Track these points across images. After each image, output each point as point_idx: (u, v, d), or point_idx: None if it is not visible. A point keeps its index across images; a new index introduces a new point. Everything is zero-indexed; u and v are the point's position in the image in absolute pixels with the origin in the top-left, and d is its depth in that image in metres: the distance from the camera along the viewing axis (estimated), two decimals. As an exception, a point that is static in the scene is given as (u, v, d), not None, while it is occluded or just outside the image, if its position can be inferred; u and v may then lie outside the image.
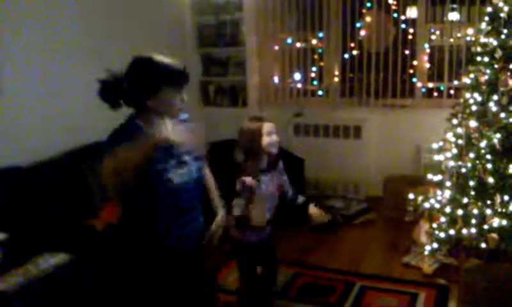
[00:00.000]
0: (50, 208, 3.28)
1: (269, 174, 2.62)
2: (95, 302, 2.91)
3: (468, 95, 3.34)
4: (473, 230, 3.12)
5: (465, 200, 3.22)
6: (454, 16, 4.88)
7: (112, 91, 1.92)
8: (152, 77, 1.93)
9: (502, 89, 3.14)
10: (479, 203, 3.16)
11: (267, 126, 2.56)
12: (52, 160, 3.50)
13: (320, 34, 5.26)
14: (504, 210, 3.09)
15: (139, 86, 1.93)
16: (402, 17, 4.98)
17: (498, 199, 3.13)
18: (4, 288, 2.59)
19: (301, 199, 2.83)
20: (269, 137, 2.55)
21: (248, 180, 2.46)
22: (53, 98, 3.69)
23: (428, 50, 4.96)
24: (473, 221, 3.13)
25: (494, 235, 3.06)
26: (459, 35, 4.80)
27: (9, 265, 2.77)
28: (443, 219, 3.32)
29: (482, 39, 3.31)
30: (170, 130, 2.05)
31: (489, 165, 3.12)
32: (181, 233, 2.08)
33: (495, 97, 3.16)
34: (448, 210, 3.29)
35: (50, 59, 3.67)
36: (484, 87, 3.25)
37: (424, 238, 3.65)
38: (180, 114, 2.10)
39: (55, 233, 3.15)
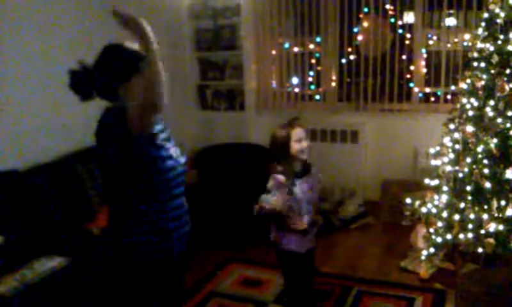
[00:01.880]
0: (46, 212, 3.27)
1: (303, 178, 2.60)
2: (92, 306, 2.90)
3: (464, 100, 3.35)
4: (470, 235, 3.12)
5: (462, 205, 3.22)
6: (451, 21, 4.90)
7: (82, 81, 1.93)
8: (120, 64, 1.93)
9: (498, 94, 3.15)
10: (476, 208, 3.17)
11: (296, 133, 2.56)
12: (48, 163, 3.49)
13: (318, 39, 5.27)
14: (500, 215, 3.09)
15: (109, 73, 1.93)
16: (399, 22, 4.99)
17: (495, 204, 3.14)
18: (1, 292, 2.58)
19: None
20: (299, 144, 2.55)
21: (279, 176, 2.49)
22: (50, 101, 3.68)
23: (425, 55, 4.97)
24: (470, 226, 3.13)
25: (491, 240, 3.07)
26: (456, 40, 4.82)
27: (6, 269, 2.76)
28: (440, 224, 3.33)
29: (479, 45, 3.32)
30: None
31: (486, 170, 3.13)
32: (178, 234, 2.08)
33: (492, 102, 3.17)
34: (445, 214, 3.29)
35: (48, 62, 3.66)
36: (480, 92, 3.26)
37: (420, 243, 3.65)
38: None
39: (51, 237, 3.14)
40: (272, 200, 2.50)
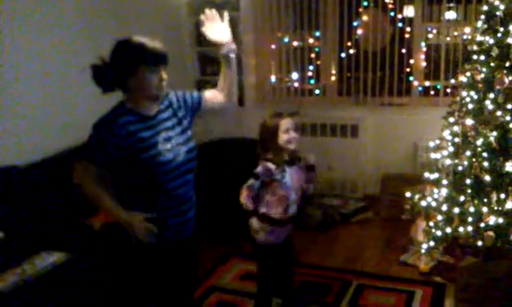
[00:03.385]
0: (46, 208, 3.27)
1: (292, 167, 2.64)
2: (92, 301, 2.90)
3: (464, 93, 3.34)
4: (470, 228, 3.12)
5: (462, 198, 3.22)
6: (450, 15, 4.89)
7: (102, 75, 2.04)
8: (128, 57, 2.02)
9: (498, 87, 3.14)
10: (476, 201, 3.17)
11: (284, 123, 2.59)
12: (48, 159, 3.49)
13: (317, 33, 5.26)
14: (500, 208, 3.09)
15: (118, 67, 2.02)
16: (399, 16, 4.98)
17: (494, 197, 3.14)
18: (1, 288, 2.58)
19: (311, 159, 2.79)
20: (286, 134, 2.59)
21: (270, 164, 2.52)
22: (50, 96, 3.68)
23: (425, 49, 4.96)
24: (470, 219, 3.13)
25: (490, 233, 3.07)
26: (455, 34, 4.81)
27: (6, 265, 2.76)
28: (439, 217, 3.33)
29: (479, 38, 3.31)
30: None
31: (485, 164, 3.13)
32: (173, 222, 2.14)
33: (491, 95, 3.17)
34: (444, 208, 3.29)
35: (48, 58, 3.66)
36: (480, 85, 3.25)
37: (420, 237, 3.65)
38: (163, 93, 2.14)
39: (52, 232, 3.14)
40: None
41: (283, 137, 2.58)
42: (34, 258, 2.87)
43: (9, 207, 3.10)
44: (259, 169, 2.56)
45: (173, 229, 2.14)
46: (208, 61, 5.60)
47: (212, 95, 2.50)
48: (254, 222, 2.69)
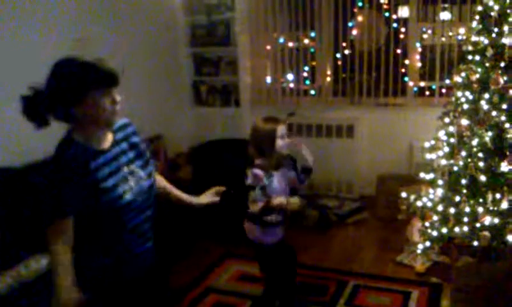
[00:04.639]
0: (42, 209, 3.25)
1: (279, 171, 2.66)
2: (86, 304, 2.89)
3: (459, 94, 3.35)
4: (466, 228, 3.13)
5: (457, 198, 3.23)
6: (445, 15, 4.90)
7: (34, 107, 1.71)
8: (75, 81, 1.67)
9: (493, 87, 3.15)
10: (471, 201, 3.17)
11: (280, 129, 2.61)
12: (45, 160, 3.47)
13: (312, 34, 5.26)
14: (495, 208, 3.09)
15: (62, 94, 1.68)
16: (394, 16, 4.99)
17: (490, 197, 3.14)
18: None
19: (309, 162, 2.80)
20: (282, 140, 2.61)
21: (258, 171, 2.52)
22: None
23: (420, 49, 4.97)
24: (466, 219, 3.13)
25: (486, 233, 3.07)
26: (450, 34, 4.82)
27: (1, 267, 2.75)
28: (435, 218, 3.33)
29: (473, 38, 3.31)
30: None
31: (481, 164, 3.13)
32: (133, 254, 1.90)
33: (486, 95, 3.17)
34: (440, 208, 3.29)
35: (42, 57, 3.62)
36: (475, 85, 3.25)
37: (416, 237, 3.66)
38: (116, 118, 1.82)
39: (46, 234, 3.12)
40: (292, 200, 2.59)
41: (279, 143, 2.59)
42: (29, 260, 2.85)
43: (5, 209, 3.08)
44: (250, 179, 2.56)
45: (132, 264, 1.91)
46: (204, 62, 5.60)
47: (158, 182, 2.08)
48: (248, 225, 2.70)
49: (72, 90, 1.68)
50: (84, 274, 1.79)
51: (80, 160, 1.72)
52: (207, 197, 2.31)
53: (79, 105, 1.69)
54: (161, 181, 2.15)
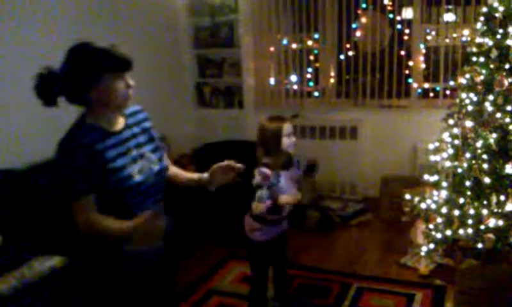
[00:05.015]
0: (45, 211, 3.26)
1: (287, 170, 2.65)
2: (90, 306, 2.89)
3: (463, 95, 3.34)
4: (470, 230, 3.11)
5: (461, 200, 3.21)
6: (449, 16, 4.88)
7: (46, 86, 1.82)
8: (90, 65, 1.77)
9: (497, 89, 3.14)
10: (476, 203, 3.16)
11: (286, 128, 2.60)
12: (47, 162, 3.47)
13: (316, 35, 5.26)
14: (500, 210, 3.08)
15: (77, 77, 1.78)
16: (398, 18, 4.97)
17: (494, 199, 3.13)
18: (0, 291, 2.57)
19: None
20: (289, 139, 2.60)
21: (266, 170, 2.52)
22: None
23: (424, 51, 4.96)
24: (470, 221, 3.12)
25: (490, 235, 3.06)
26: (454, 35, 4.80)
27: (5, 268, 2.75)
28: (439, 220, 3.32)
29: (478, 40, 3.30)
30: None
31: (485, 165, 3.12)
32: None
33: (491, 97, 3.16)
34: (444, 210, 3.28)
35: (45, 58, 3.63)
36: (479, 87, 3.24)
37: (420, 239, 3.65)
38: (130, 104, 1.90)
39: (50, 236, 3.13)
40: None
41: (286, 142, 2.59)
42: (32, 262, 2.86)
43: (9, 210, 3.09)
44: (257, 178, 2.55)
45: (143, 252, 1.89)
46: (207, 63, 5.60)
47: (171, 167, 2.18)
48: (248, 221, 2.70)
49: (87, 74, 1.76)
50: (97, 255, 1.88)
51: (88, 141, 1.77)
52: (219, 178, 2.21)
53: (94, 88, 1.77)
54: (170, 166, 2.19)
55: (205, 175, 2.21)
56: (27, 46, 3.51)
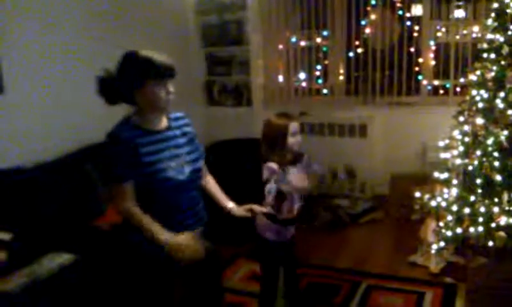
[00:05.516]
0: (54, 209, 3.28)
1: (294, 167, 2.63)
2: (100, 303, 2.90)
3: (474, 92, 3.30)
4: (481, 228, 3.09)
5: (472, 198, 3.19)
6: (459, 13, 4.85)
7: (106, 87, 2.06)
8: (135, 71, 2.01)
9: (508, 85, 3.11)
10: (486, 201, 3.13)
11: (292, 126, 2.58)
12: (56, 160, 3.50)
13: (325, 33, 5.24)
14: (511, 208, 3.05)
15: (125, 81, 2.03)
16: (408, 14, 4.95)
17: (505, 197, 3.10)
18: (10, 289, 2.59)
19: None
20: (294, 138, 2.58)
21: (273, 164, 2.50)
22: (56, 97, 3.69)
23: (434, 48, 4.93)
24: (481, 219, 3.09)
25: (501, 233, 3.03)
26: (464, 32, 4.76)
27: (15, 266, 2.77)
28: (450, 218, 3.29)
29: (489, 36, 3.27)
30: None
31: (496, 163, 3.09)
32: (178, 231, 2.05)
33: (502, 94, 3.13)
34: (455, 208, 3.25)
35: (53, 58, 3.67)
36: (490, 84, 3.21)
37: (430, 237, 3.62)
38: (169, 106, 2.11)
39: (60, 233, 3.15)
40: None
41: (291, 140, 2.57)
42: (42, 259, 2.88)
43: (17, 208, 3.11)
44: (265, 173, 2.54)
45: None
46: (216, 62, 5.60)
47: (205, 178, 2.41)
48: (260, 220, 2.69)
49: (134, 79, 2.01)
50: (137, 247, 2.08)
51: (128, 136, 2.00)
52: (240, 211, 2.45)
53: (139, 91, 2.02)
54: (207, 177, 2.44)
55: (229, 207, 2.44)
56: (36, 46, 3.53)
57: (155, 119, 2.11)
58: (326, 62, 5.35)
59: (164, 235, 1.95)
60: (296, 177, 2.62)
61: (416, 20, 5.01)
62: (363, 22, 5.12)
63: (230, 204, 2.43)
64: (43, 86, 3.59)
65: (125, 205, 2.00)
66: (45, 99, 3.61)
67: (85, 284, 2.86)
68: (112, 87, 2.05)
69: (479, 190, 3.17)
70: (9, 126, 3.35)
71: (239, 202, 2.72)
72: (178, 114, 2.27)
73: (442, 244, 3.34)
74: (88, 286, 2.86)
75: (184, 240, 1.96)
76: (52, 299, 2.69)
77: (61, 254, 2.94)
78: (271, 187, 2.53)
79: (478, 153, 3.17)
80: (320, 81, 5.41)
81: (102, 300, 2.94)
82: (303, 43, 5.36)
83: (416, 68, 4.99)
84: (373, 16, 5.10)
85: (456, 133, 3.41)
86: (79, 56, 3.84)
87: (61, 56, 3.72)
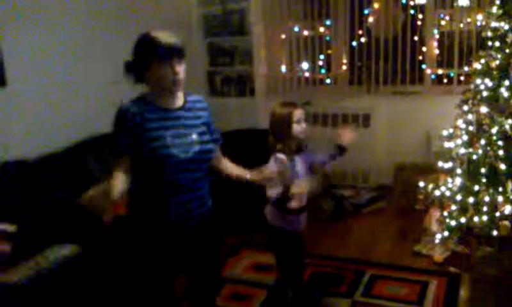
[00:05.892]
0: (58, 201, 3.28)
1: (300, 156, 2.63)
2: (104, 293, 2.92)
3: (478, 81, 3.28)
4: (485, 218, 3.08)
5: (476, 187, 3.18)
6: (463, 1, 4.80)
7: (128, 68, 2.12)
8: (142, 51, 2.07)
9: (513, 74, 3.09)
10: (491, 190, 3.12)
11: (297, 114, 2.58)
12: (59, 152, 3.50)
13: (328, 22, 5.21)
14: (515, 197, 3.04)
15: (136, 61, 2.10)
16: (411, 3, 4.91)
17: (509, 185, 3.09)
18: (15, 280, 2.61)
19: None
20: (299, 125, 2.58)
21: (282, 156, 2.51)
22: (59, 89, 3.68)
23: (437, 36, 4.89)
24: (485, 209, 3.09)
25: (506, 223, 3.02)
26: (469, 20, 4.72)
27: (19, 258, 2.78)
28: (454, 207, 3.29)
29: (493, 24, 3.24)
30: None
31: (500, 152, 3.08)
32: (179, 211, 2.11)
33: (507, 82, 3.11)
34: (459, 197, 3.25)
35: (56, 50, 3.66)
36: (495, 72, 3.19)
37: (434, 227, 3.62)
38: (179, 86, 2.10)
39: (64, 225, 3.15)
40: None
41: (296, 128, 2.57)
42: (47, 251, 2.89)
43: (21, 200, 3.11)
44: (274, 164, 2.53)
45: (175, 220, 2.12)
46: (218, 52, 5.58)
47: (219, 159, 2.43)
48: (269, 211, 2.69)
49: (142, 58, 2.07)
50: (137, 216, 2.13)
51: (137, 110, 2.03)
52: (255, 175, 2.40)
53: (148, 70, 2.05)
54: (223, 160, 2.46)
55: (247, 176, 2.40)
56: (38, 36, 3.52)
57: (167, 98, 2.11)
58: (329, 51, 5.32)
59: (106, 185, 1.93)
60: (302, 166, 2.62)
61: (419, 8, 4.97)
62: (366, 11, 5.08)
63: (248, 175, 2.39)
64: (46, 77, 3.58)
65: (115, 172, 2.00)
66: (48, 91, 3.60)
67: (89, 276, 2.87)
68: (130, 68, 2.11)
69: (483, 180, 3.16)
70: (12, 119, 3.35)
71: (243, 194, 2.73)
72: (198, 98, 2.29)
73: (446, 233, 3.34)
74: (91, 277, 2.87)
75: (94, 191, 1.87)
76: (56, 291, 2.70)
77: (65, 245, 2.96)
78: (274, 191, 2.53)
79: (482, 142, 3.16)
80: (323, 71, 5.38)
81: (105, 292, 2.95)
82: (305, 33, 5.33)
83: (420, 57, 4.96)
84: (376, 5, 5.06)
85: (460, 123, 3.40)
86: (82, 47, 3.83)
87: (63, 47, 3.71)
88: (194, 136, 2.13)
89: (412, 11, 4.89)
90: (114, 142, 2.06)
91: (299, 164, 2.62)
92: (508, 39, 3.14)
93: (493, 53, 3.21)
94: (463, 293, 3.18)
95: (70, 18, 3.77)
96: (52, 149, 3.48)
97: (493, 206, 3.07)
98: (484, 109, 3.19)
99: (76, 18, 3.82)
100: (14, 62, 3.34)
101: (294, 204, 2.61)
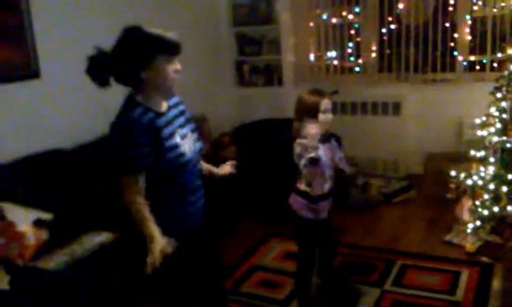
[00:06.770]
0: (93, 189, 3.36)
1: (325, 144, 2.62)
2: (139, 279, 2.98)
3: (512, 67, 3.22)
4: (519, 207, 3.03)
5: (510, 176, 3.12)
6: (497, -15, 4.68)
7: (99, 67, 1.88)
8: (142, 47, 1.87)
9: (549, 59, 3.01)
10: (525, 179, 3.07)
11: (324, 104, 2.56)
12: (93, 141, 3.58)
13: (357, 9, 5.15)
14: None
15: (131, 57, 1.88)
16: (442, -12, 4.81)
17: (545, 174, 3.03)
18: (51, 267, 2.68)
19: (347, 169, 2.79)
20: (324, 115, 2.56)
21: (304, 140, 2.48)
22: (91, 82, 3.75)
23: (469, 22, 4.79)
24: (519, 198, 3.04)
25: (540, 212, 2.97)
26: (502, 4, 4.60)
27: (56, 245, 2.87)
28: (486, 196, 3.24)
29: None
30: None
31: (535, 140, 3.02)
32: (187, 212, 2.07)
33: (542, 68, 3.04)
34: (492, 186, 3.20)
35: (87, 41, 3.71)
36: (530, 58, 3.12)
37: (466, 216, 3.57)
38: (175, 87, 2.00)
39: (99, 212, 3.23)
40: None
41: (321, 118, 2.55)
42: (82, 238, 2.96)
43: (58, 189, 3.20)
44: (297, 149, 2.54)
45: (185, 219, 2.08)
46: (246, 41, 5.59)
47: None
48: (294, 198, 2.70)
49: (141, 55, 1.87)
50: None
51: (148, 119, 1.89)
52: (224, 170, 2.40)
53: (146, 70, 1.88)
54: None
55: (214, 171, 2.37)
56: (70, 28, 3.59)
57: (159, 100, 1.98)
58: (358, 39, 5.26)
59: (152, 233, 1.85)
60: (326, 155, 2.62)
61: (451, -7, 4.87)
62: (396, -3, 5.01)
63: (214, 169, 2.38)
64: (78, 69, 3.64)
65: (135, 198, 1.88)
66: (81, 83, 3.65)
67: (124, 263, 2.93)
68: (106, 67, 1.88)
69: (518, 168, 3.10)
70: (47, 110, 3.44)
71: (271, 182, 2.73)
72: (175, 100, 2.13)
73: (478, 223, 3.30)
74: (126, 264, 2.93)
75: (163, 243, 1.83)
76: (91, 277, 2.78)
77: (100, 233, 3.03)
78: (303, 163, 2.52)
79: (516, 130, 3.10)
80: (352, 59, 5.33)
81: (140, 277, 3.01)
82: (334, 20, 5.28)
83: (452, 44, 4.86)
84: (406, -9, 4.98)
85: (493, 110, 3.34)
86: (113, 38, 3.88)
87: (95, 38, 3.75)
88: (190, 134, 2.09)
89: (443, -3, 4.79)
90: (127, 158, 1.86)
91: (324, 152, 2.60)
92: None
93: (529, 38, 3.14)
94: (496, 283, 3.13)
95: (101, 10, 3.83)
96: (87, 139, 3.56)
97: (527, 195, 3.02)
98: (518, 96, 3.12)
99: (107, 10, 3.88)
100: (47, 55, 3.43)
101: (316, 190, 2.62)
